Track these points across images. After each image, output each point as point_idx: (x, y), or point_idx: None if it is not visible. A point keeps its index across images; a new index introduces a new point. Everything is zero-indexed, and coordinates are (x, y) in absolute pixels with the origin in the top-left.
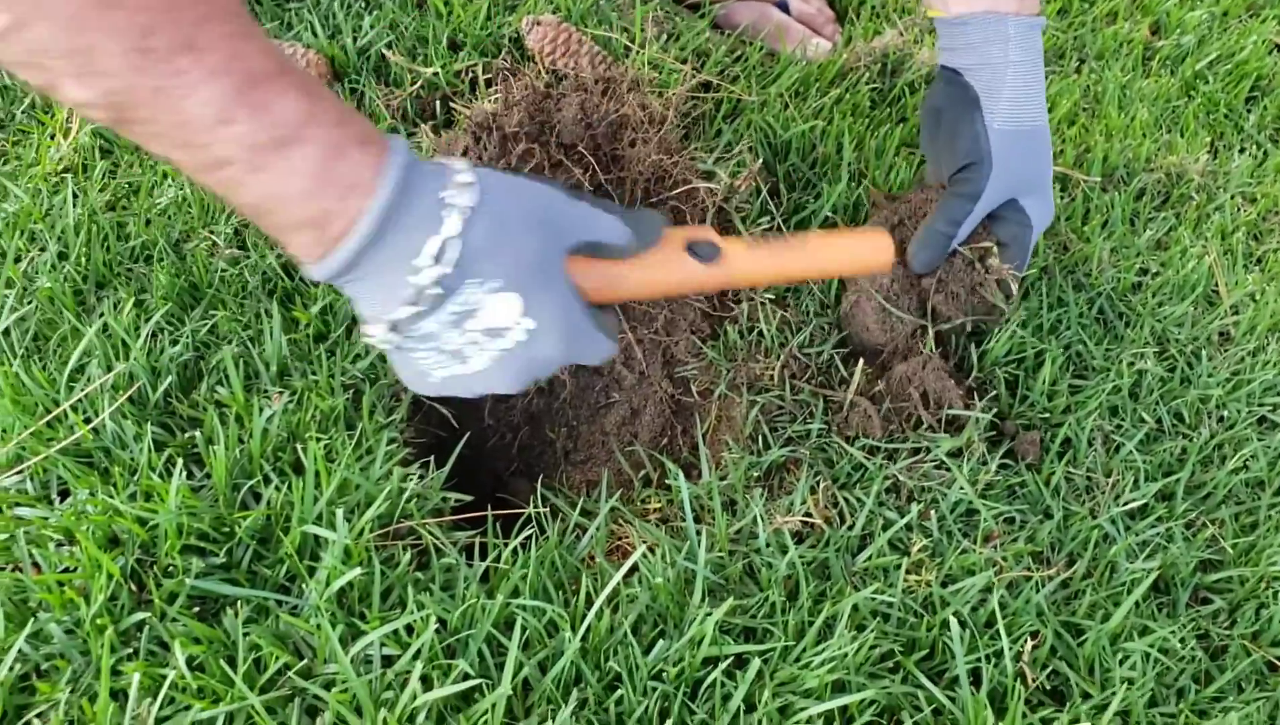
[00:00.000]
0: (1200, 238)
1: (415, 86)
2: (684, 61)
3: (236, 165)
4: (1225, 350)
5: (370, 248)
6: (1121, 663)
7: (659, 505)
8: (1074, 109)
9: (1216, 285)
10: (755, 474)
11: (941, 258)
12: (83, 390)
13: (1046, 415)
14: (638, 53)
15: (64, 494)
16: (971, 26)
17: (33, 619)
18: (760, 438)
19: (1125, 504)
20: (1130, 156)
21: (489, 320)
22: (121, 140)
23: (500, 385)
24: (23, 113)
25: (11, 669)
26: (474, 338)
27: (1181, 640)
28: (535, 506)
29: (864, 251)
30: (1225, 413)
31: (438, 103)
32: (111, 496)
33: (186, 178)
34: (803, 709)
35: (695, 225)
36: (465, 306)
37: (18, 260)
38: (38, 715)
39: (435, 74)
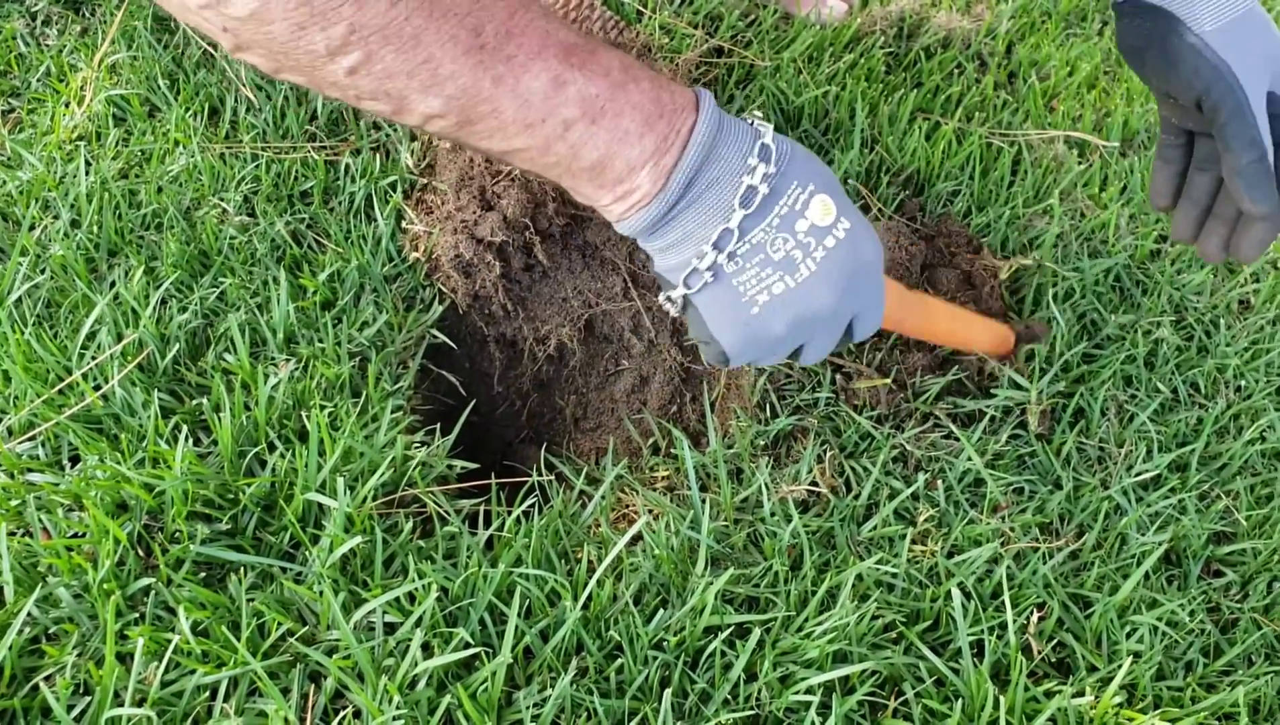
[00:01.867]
0: None
1: None
2: (696, 26)
3: (579, 123)
4: (1244, 319)
5: (705, 161)
6: (1129, 635)
7: (666, 473)
8: (1094, 72)
9: None
10: (762, 442)
11: (1269, 183)
12: (93, 358)
13: (1060, 385)
14: (650, 17)
15: (74, 460)
16: None
17: (41, 583)
18: (768, 406)
19: (1137, 475)
20: (1150, 121)
21: (813, 220)
22: (135, 107)
23: (826, 295)
24: (38, 81)
25: (21, 633)
26: (801, 239)
27: (1191, 613)
28: (540, 474)
29: (993, 337)
30: (1243, 382)
31: None
32: (119, 463)
33: (521, 172)
34: (803, 679)
35: None
36: (790, 206)
37: (32, 228)
38: (45, 678)
39: None
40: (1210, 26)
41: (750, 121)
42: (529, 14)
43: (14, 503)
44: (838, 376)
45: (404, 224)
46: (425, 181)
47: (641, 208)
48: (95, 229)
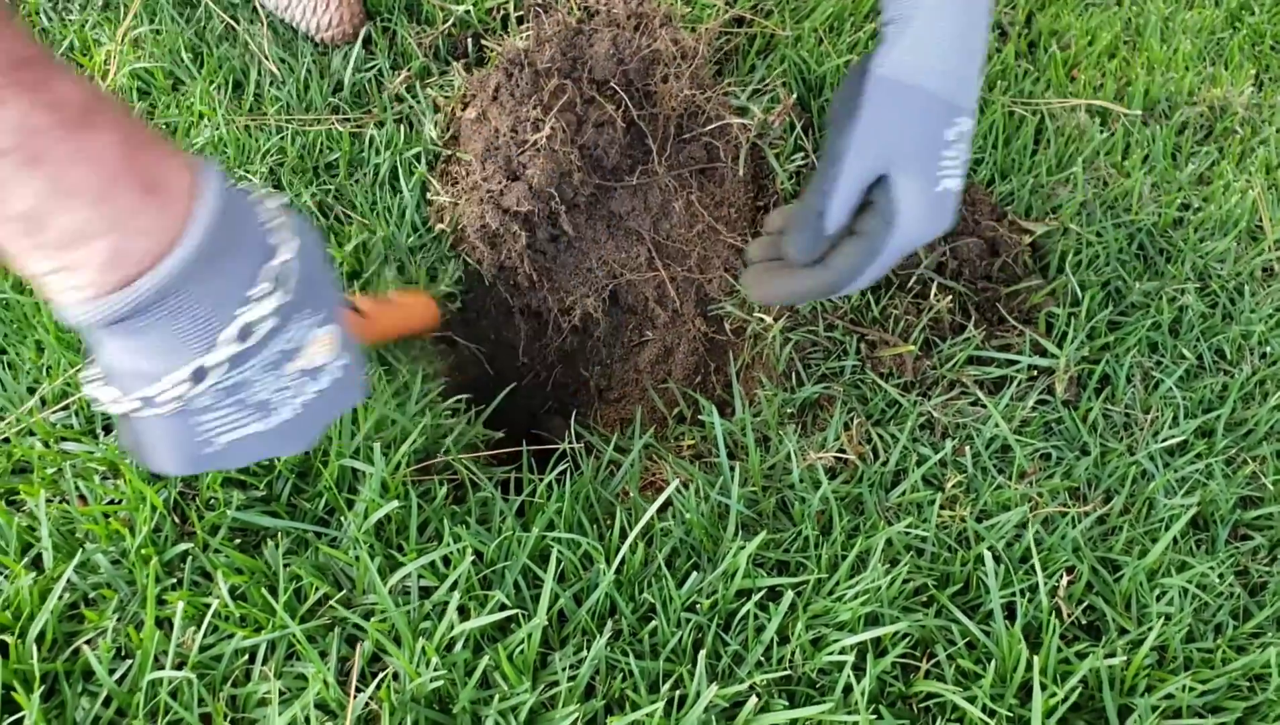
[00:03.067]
0: (1244, 172)
1: (447, 25)
2: None
3: (10, 156)
4: (1269, 286)
5: (198, 269)
6: (1159, 598)
7: (692, 442)
8: (1115, 41)
9: (1260, 220)
10: (789, 411)
11: (816, 239)
12: None
13: (1085, 352)
14: None
15: (108, 429)
16: None
17: (80, 549)
18: (794, 374)
19: (1164, 441)
20: (1172, 90)
21: (311, 358)
22: (159, 80)
23: (296, 442)
24: (61, 55)
25: (60, 598)
26: (289, 381)
27: (1220, 576)
28: (569, 443)
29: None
30: (1268, 348)
31: (469, 40)
32: None
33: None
34: (835, 641)
35: None
36: (291, 343)
37: None
38: (86, 642)
39: (467, 11)
40: (880, 71)
41: (265, 223)
42: None
43: (50, 470)
44: (863, 344)
45: (429, 195)
46: (449, 152)
47: (92, 299)
48: None
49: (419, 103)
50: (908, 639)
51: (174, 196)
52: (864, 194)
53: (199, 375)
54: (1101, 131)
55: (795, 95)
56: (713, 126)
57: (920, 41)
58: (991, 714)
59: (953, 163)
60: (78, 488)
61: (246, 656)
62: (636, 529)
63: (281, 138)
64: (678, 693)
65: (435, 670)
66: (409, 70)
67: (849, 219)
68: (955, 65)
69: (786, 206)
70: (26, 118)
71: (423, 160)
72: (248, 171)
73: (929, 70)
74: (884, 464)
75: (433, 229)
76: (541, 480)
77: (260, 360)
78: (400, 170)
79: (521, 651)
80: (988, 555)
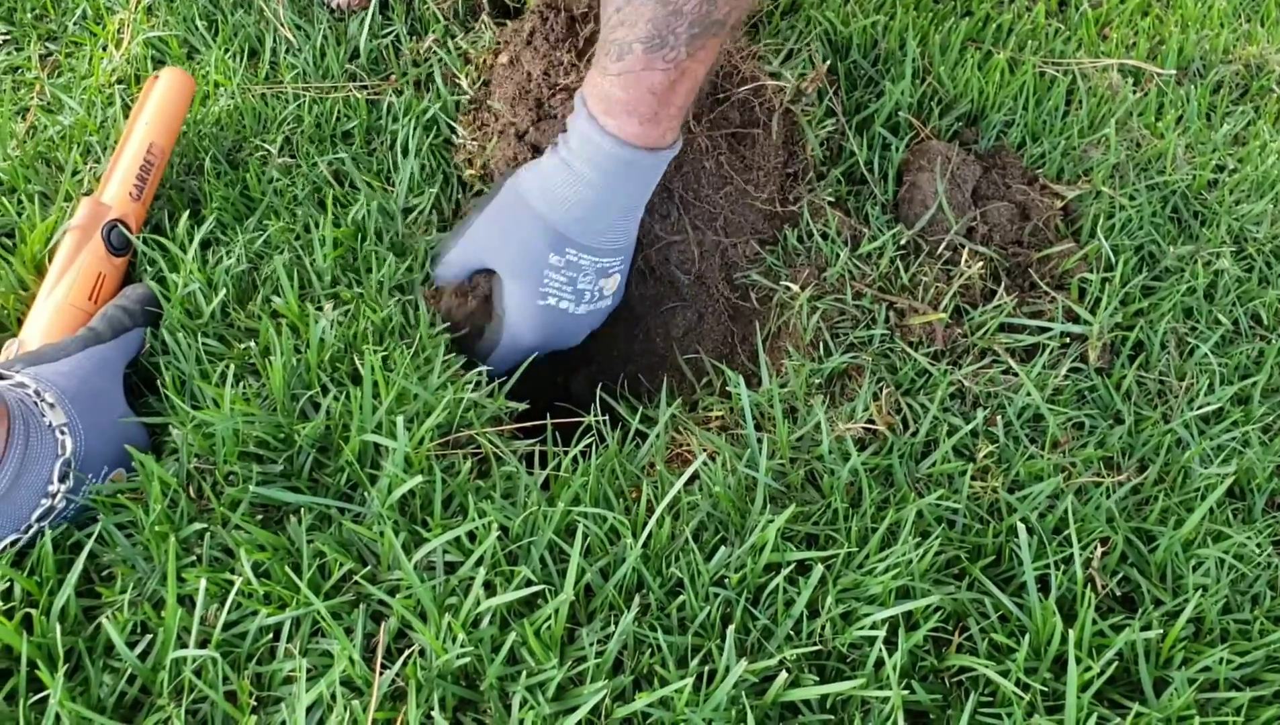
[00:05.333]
0: None
1: None
2: None
3: None
4: None
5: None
6: (1195, 569)
7: (720, 413)
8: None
9: None
10: (817, 381)
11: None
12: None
13: (1118, 318)
14: None
15: None
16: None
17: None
18: (821, 344)
19: (1199, 408)
20: (1207, 48)
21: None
22: (174, 49)
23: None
24: (74, 24)
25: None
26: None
27: (1258, 546)
28: (595, 416)
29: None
30: None
31: (487, 1)
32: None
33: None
34: (866, 615)
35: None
36: (86, 498)
37: (75, 173)
38: (108, 618)
39: None
40: (512, 180)
41: (51, 425)
42: None
43: None
44: (891, 312)
45: (456, 140)
46: (479, 100)
47: None
48: None
49: (449, 55)
50: (940, 612)
51: None
52: (472, 273)
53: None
54: (1134, 92)
55: (827, 62)
56: (748, 88)
57: (551, 172)
58: (1025, 688)
59: (558, 285)
60: None
61: (271, 634)
62: (664, 503)
63: (299, 106)
64: (707, 668)
65: (462, 646)
66: (434, 35)
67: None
68: (581, 205)
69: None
70: None
71: (439, 123)
72: (264, 141)
73: (549, 197)
74: (914, 435)
75: (462, 174)
76: (566, 454)
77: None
78: (411, 138)
79: (549, 627)
80: (1020, 527)
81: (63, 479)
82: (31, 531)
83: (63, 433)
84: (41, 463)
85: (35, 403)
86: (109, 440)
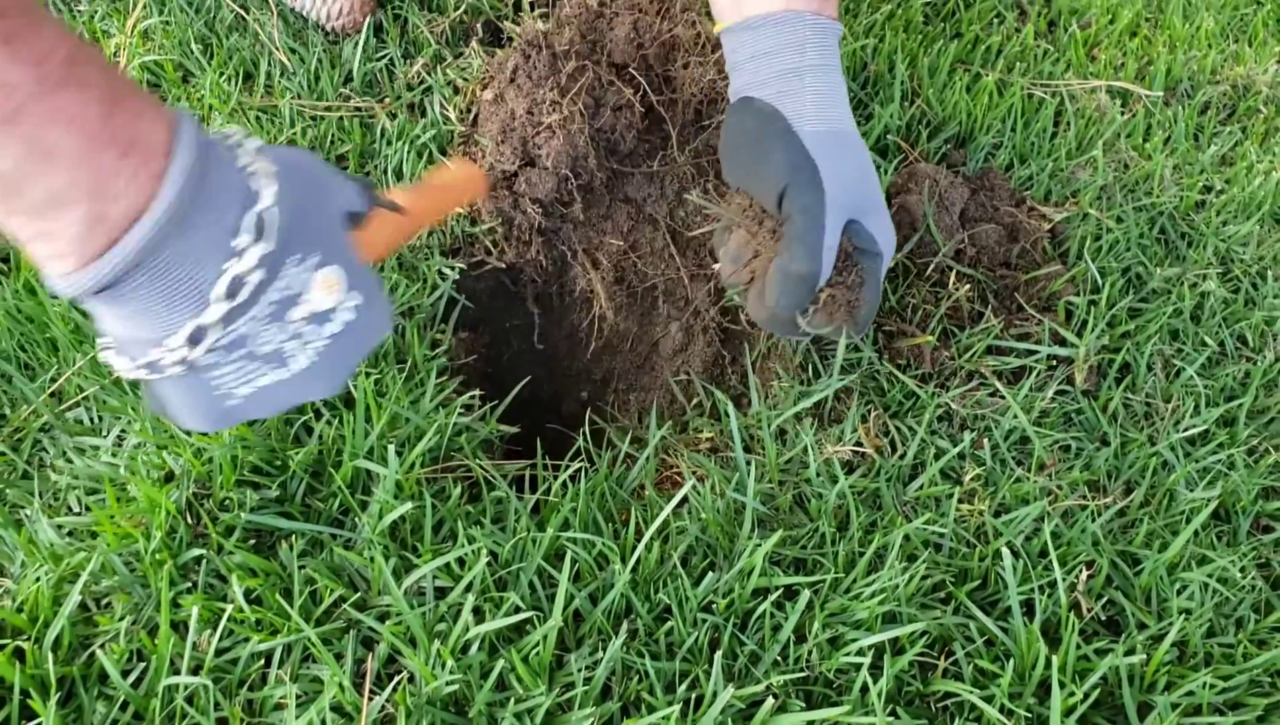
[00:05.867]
0: (1268, 153)
1: (459, 11)
2: None
3: None
4: None
5: (175, 227)
6: (1179, 593)
7: (710, 435)
8: (1136, 19)
9: None
10: (805, 404)
11: (807, 299)
12: None
13: (1105, 340)
14: None
15: (120, 441)
16: (766, 29)
17: (92, 552)
18: (810, 366)
19: (1185, 430)
20: (1195, 68)
21: (316, 303)
22: (169, 72)
23: (323, 386)
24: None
25: (75, 600)
26: (298, 329)
27: (1242, 570)
28: (585, 434)
29: (464, 185)
30: None
31: (480, 26)
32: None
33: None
34: (853, 640)
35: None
36: (287, 291)
37: None
38: (100, 646)
39: None
40: (810, 128)
41: (244, 168)
42: None
43: (60, 479)
44: (880, 334)
45: None
46: (468, 134)
47: (74, 271)
48: None
49: (436, 84)
50: (925, 637)
51: (150, 154)
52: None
53: (196, 337)
54: (1122, 113)
55: None
56: None
57: (823, 96)
58: (1010, 714)
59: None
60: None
61: (262, 660)
62: (652, 528)
63: (294, 130)
64: (694, 693)
65: (451, 673)
66: (425, 59)
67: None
68: (847, 106)
69: (731, 244)
70: (4, 73)
71: (431, 146)
72: None
73: (842, 118)
74: (901, 458)
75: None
76: (556, 478)
77: (256, 313)
78: (406, 161)
79: (537, 653)
80: (1005, 551)
81: (256, 236)
82: (215, 317)
83: (259, 180)
84: (224, 200)
85: (228, 143)
86: (318, 230)
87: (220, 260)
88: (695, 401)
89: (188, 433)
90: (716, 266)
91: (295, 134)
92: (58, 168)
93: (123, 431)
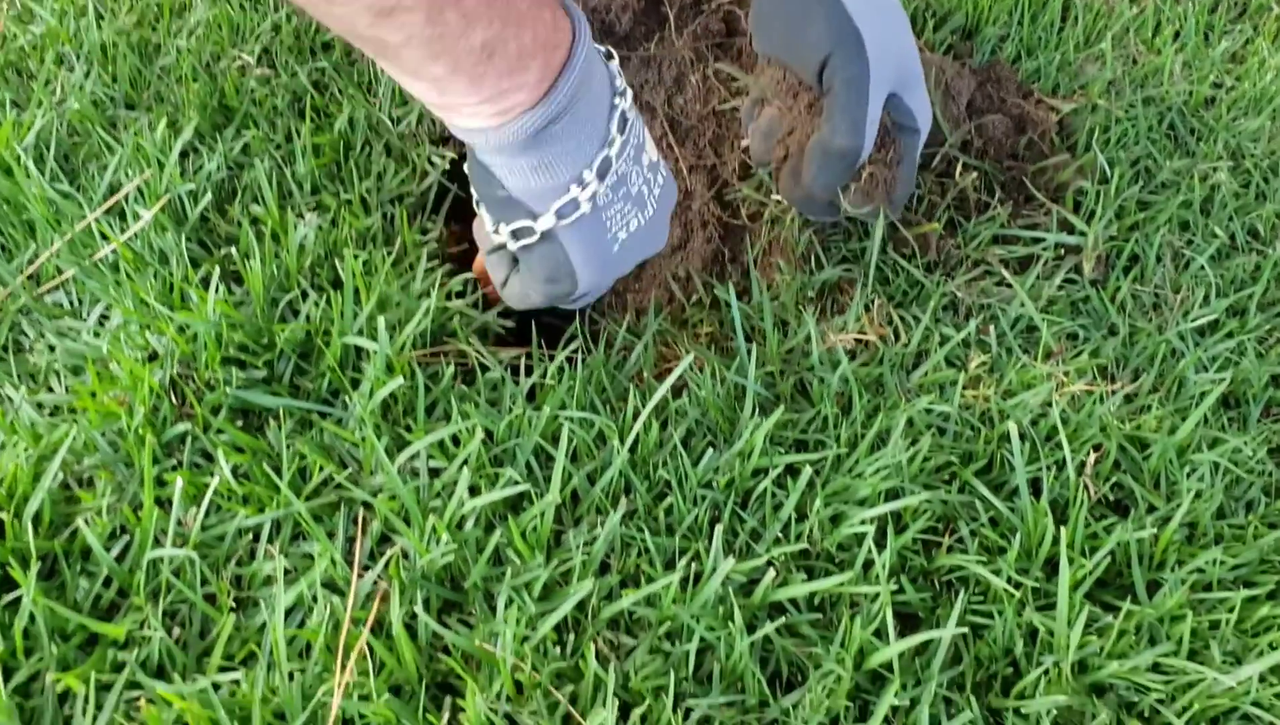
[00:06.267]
0: (1279, 50)
1: None
2: None
3: None
4: None
5: (586, 73)
6: (1189, 475)
7: (710, 328)
8: None
9: None
10: (808, 294)
11: (847, 177)
12: (112, 201)
13: (1113, 232)
14: None
15: (103, 321)
16: None
17: (73, 426)
18: (813, 257)
19: (1195, 320)
20: None
21: (650, 152)
22: None
23: (658, 237)
24: None
25: (56, 477)
26: (647, 173)
27: (1252, 452)
28: (580, 326)
29: None
30: None
31: None
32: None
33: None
34: (855, 516)
35: None
36: (638, 137)
37: (47, 83)
38: (84, 523)
39: None
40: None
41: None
42: None
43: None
44: (887, 225)
45: None
46: None
47: (524, 112)
48: (112, 81)
49: None
50: (929, 513)
51: (561, 14)
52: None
53: (604, 168)
54: (1131, 7)
55: None
56: None
57: None
58: (1017, 586)
59: None
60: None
61: (250, 536)
62: (650, 406)
63: (277, 16)
64: (694, 568)
65: (446, 547)
66: None
67: None
68: None
69: (762, 120)
70: None
71: None
72: (242, 51)
73: None
74: (906, 345)
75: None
76: (552, 361)
77: (629, 152)
78: None
79: (535, 528)
80: (1013, 431)
81: (625, 83)
82: (616, 147)
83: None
84: (598, 56)
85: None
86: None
87: (610, 100)
88: (695, 298)
89: (540, 304)
90: (745, 143)
91: (280, 18)
92: (524, 31)
93: (104, 313)
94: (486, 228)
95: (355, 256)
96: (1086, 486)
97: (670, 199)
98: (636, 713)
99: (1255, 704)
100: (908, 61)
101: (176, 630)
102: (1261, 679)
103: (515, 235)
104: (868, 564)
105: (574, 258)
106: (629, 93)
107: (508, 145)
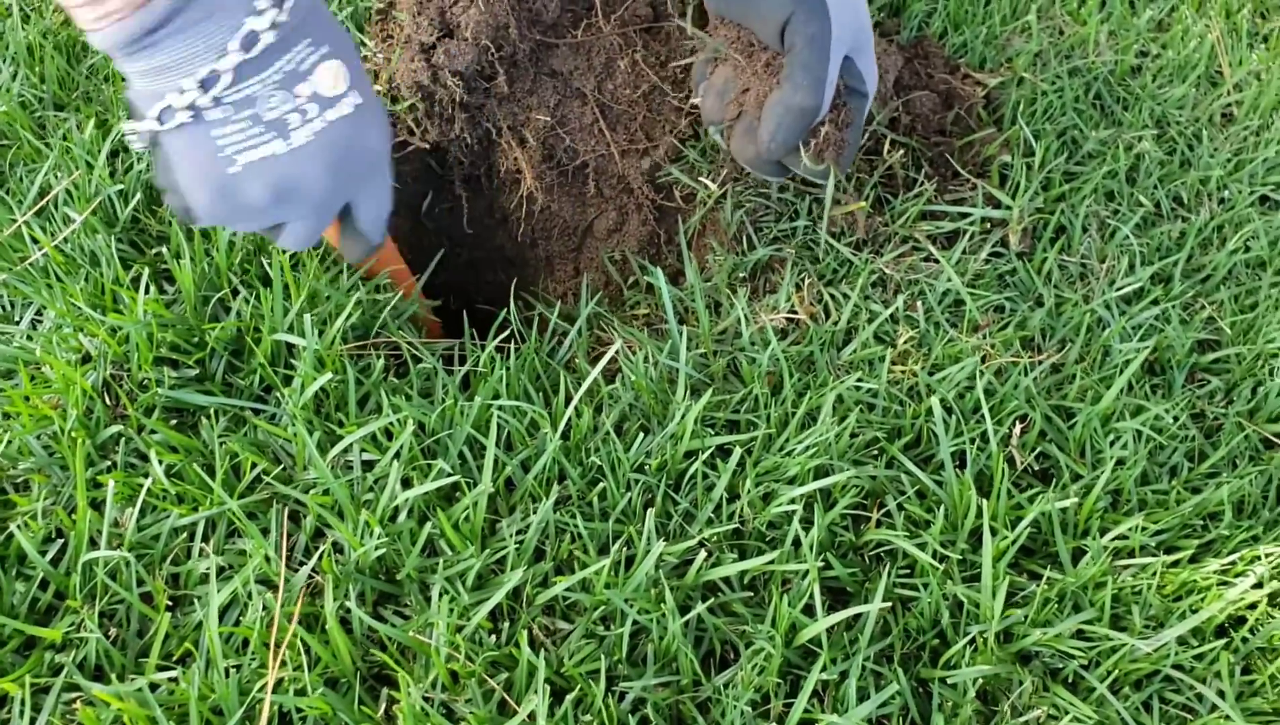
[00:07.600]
0: (1203, 17)
1: None
2: None
3: None
4: (1227, 130)
5: None
6: (1113, 443)
7: (646, 311)
8: None
9: (1219, 65)
10: (740, 274)
11: (804, 135)
12: (42, 203)
13: (1039, 203)
14: None
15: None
16: None
17: (6, 430)
18: (745, 238)
19: (1120, 289)
20: None
21: (321, 85)
22: None
23: (319, 176)
24: None
25: None
26: (302, 105)
27: (1175, 418)
28: (512, 313)
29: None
30: (1226, 193)
31: None
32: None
33: None
34: (785, 495)
35: None
36: (296, 65)
37: None
38: (18, 526)
39: None
40: None
41: None
42: None
43: None
44: (814, 204)
45: (363, 54)
46: (385, 9)
47: (119, 20)
48: (39, 82)
49: None
50: (857, 490)
51: None
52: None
53: (208, 82)
54: None
55: None
56: None
57: None
58: (942, 559)
59: None
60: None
61: (185, 535)
62: (581, 391)
63: None
64: (627, 552)
65: (379, 539)
66: None
67: None
68: None
69: (716, 78)
70: None
71: (349, 24)
72: None
73: None
74: (835, 323)
75: None
76: (484, 350)
77: (265, 76)
78: None
79: (468, 518)
80: (937, 405)
81: (277, 4)
82: (229, 64)
83: None
84: None
85: None
86: (333, 29)
87: (240, 18)
88: (631, 280)
89: (189, 220)
90: (695, 101)
91: None
92: None
93: (36, 316)
94: None
95: (283, 252)
96: (1012, 457)
97: (351, 135)
98: (570, 698)
99: (1176, 666)
100: (863, 23)
101: (114, 631)
102: (1181, 642)
103: (134, 133)
104: (797, 542)
105: (176, 171)
106: (277, 16)
107: (111, 49)
